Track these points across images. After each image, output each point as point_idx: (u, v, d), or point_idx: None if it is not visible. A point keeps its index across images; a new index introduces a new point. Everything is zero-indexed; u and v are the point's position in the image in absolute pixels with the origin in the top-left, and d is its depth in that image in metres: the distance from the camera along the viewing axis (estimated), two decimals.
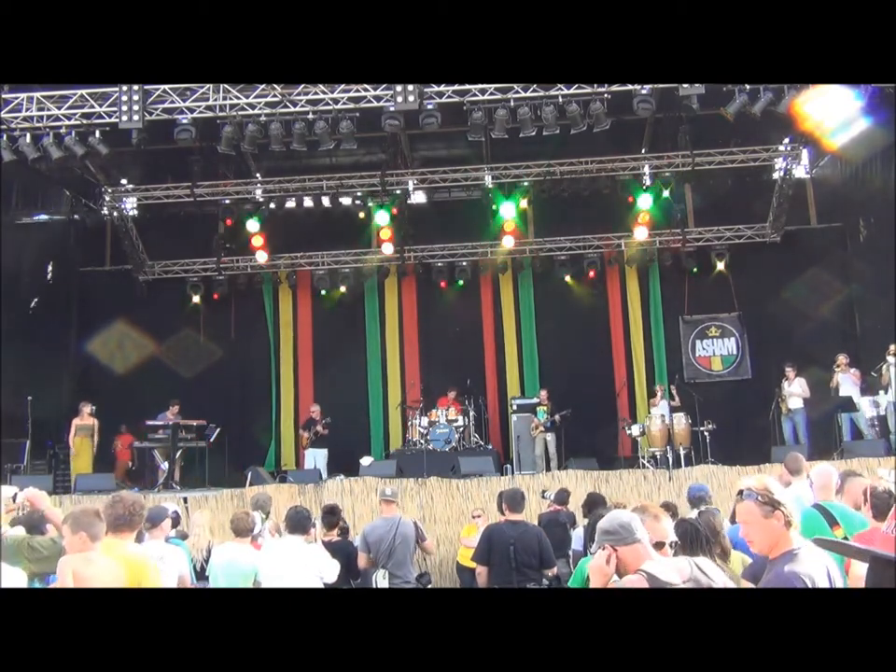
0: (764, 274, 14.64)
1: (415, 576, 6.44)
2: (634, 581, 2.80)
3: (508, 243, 14.50)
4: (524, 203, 14.45)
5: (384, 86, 10.17)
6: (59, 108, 10.60)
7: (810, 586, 2.56)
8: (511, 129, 10.63)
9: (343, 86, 10.35)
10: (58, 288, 14.96)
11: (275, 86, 10.34)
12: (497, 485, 9.75)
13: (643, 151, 14.43)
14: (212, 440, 11.95)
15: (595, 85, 10.12)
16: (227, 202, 14.66)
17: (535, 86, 10.17)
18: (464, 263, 15.18)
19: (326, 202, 14.18)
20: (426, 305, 15.58)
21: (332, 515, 6.39)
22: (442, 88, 10.32)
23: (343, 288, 15.27)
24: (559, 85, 10.05)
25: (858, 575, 3.38)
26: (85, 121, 10.61)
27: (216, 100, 10.55)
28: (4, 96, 10.45)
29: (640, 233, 14.42)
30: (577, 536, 6.54)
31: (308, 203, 14.31)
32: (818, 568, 2.64)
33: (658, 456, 11.90)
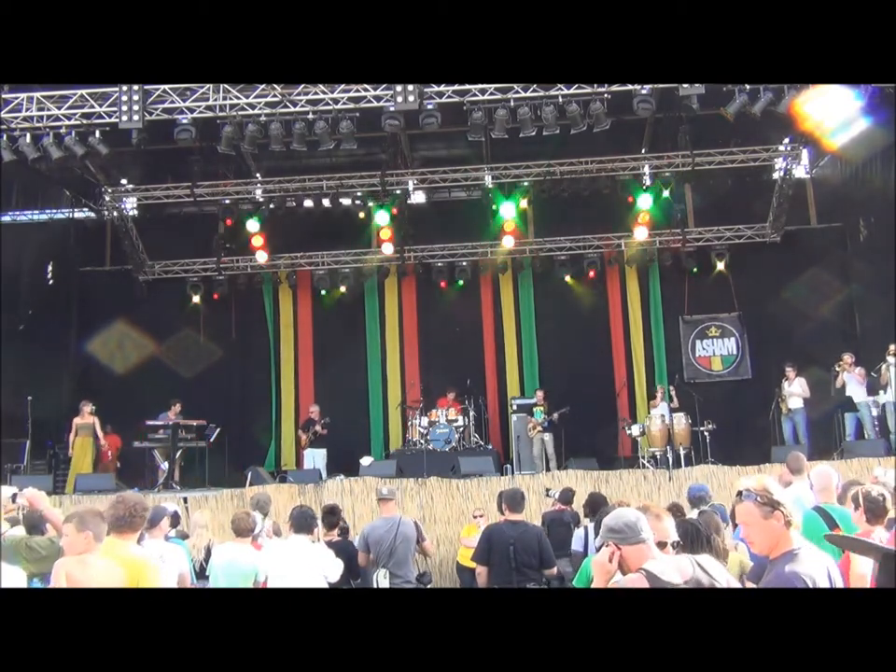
0: (764, 274, 14.63)
1: (415, 575, 6.44)
2: (634, 580, 2.80)
3: (508, 243, 14.50)
4: (524, 203, 14.45)
5: (384, 86, 10.16)
6: (59, 108, 10.60)
7: (811, 586, 2.56)
8: (511, 129, 10.63)
9: (343, 86, 10.35)
10: (58, 288, 14.98)
11: (275, 86, 10.34)
12: (497, 485, 9.75)
13: (643, 151, 14.43)
14: (212, 440, 11.95)
15: (595, 85, 10.11)
16: (227, 202, 14.66)
17: (535, 86, 10.17)
18: (464, 263, 15.17)
19: (326, 202, 14.18)
20: (426, 305, 15.58)
21: (332, 515, 6.40)
22: (442, 88, 10.31)
23: (342, 288, 15.27)
24: (559, 85, 10.05)
25: (859, 574, 3.38)
26: (85, 121, 10.61)
27: (216, 100, 10.55)
28: (4, 96, 10.45)
29: (640, 233, 14.42)
30: (577, 537, 6.53)
31: (308, 203, 14.30)
32: (818, 568, 2.64)
33: (658, 456, 11.91)
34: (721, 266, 14.72)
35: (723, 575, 2.87)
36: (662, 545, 3.15)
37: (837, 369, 11.69)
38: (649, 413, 12.98)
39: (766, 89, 9.91)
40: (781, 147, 14.09)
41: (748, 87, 9.95)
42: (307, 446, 13.40)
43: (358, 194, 14.34)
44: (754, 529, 2.76)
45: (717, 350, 15.07)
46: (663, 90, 10.39)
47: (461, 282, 15.23)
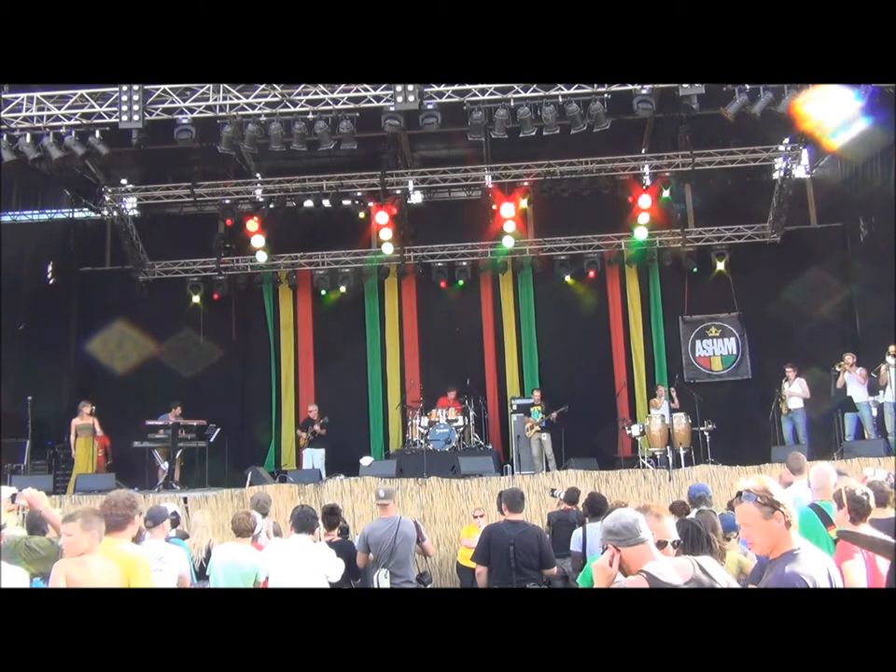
0: (764, 274, 14.63)
1: (415, 575, 6.44)
2: (634, 582, 2.80)
3: (508, 243, 14.50)
4: (523, 203, 14.44)
5: (384, 86, 10.16)
6: (59, 108, 10.59)
7: (811, 586, 2.56)
8: (511, 129, 10.63)
9: (343, 86, 10.34)
10: (58, 288, 14.97)
11: (275, 86, 10.34)
12: (497, 485, 9.75)
13: (643, 151, 14.43)
14: (212, 440, 11.95)
15: (595, 85, 10.11)
16: (227, 202, 14.66)
17: (535, 86, 10.17)
18: (464, 263, 15.17)
19: (326, 202, 14.18)
20: (426, 305, 15.58)
21: (333, 515, 6.39)
22: (442, 88, 10.31)
23: (342, 288, 15.27)
24: (559, 85, 10.04)
25: (853, 582, 3.38)
26: (85, 121, 10.61)
27: (216, 100, 10.55)
28: (4, 96, 10.44)
29: (640, 233, 14.42)
30: (576, 537, 6.53)
31: (308, 203, 14.30)
32: (818, 569, 2.64)
33: (658, 456, 11.90)
34: (721, 266, 14.71)
35: (723, 576, 2.87)
36: (662, 544, 3.15)
37: (838, 369, 11.69)
38: (649, 412, 12.97)
39: (766, 89, 9.91)
40: (781, 147, 14.09)
41: (748, 87, 9.95)
42: (306, 446, 13.41)
43: (358, 194, 14.34)
44: (754, 530, 2.76)
45: (717, 350, 15.07)
46: (663, 90, 10.38)
47: (461, 282, 15.23)
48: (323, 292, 15.25)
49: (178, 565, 5.07)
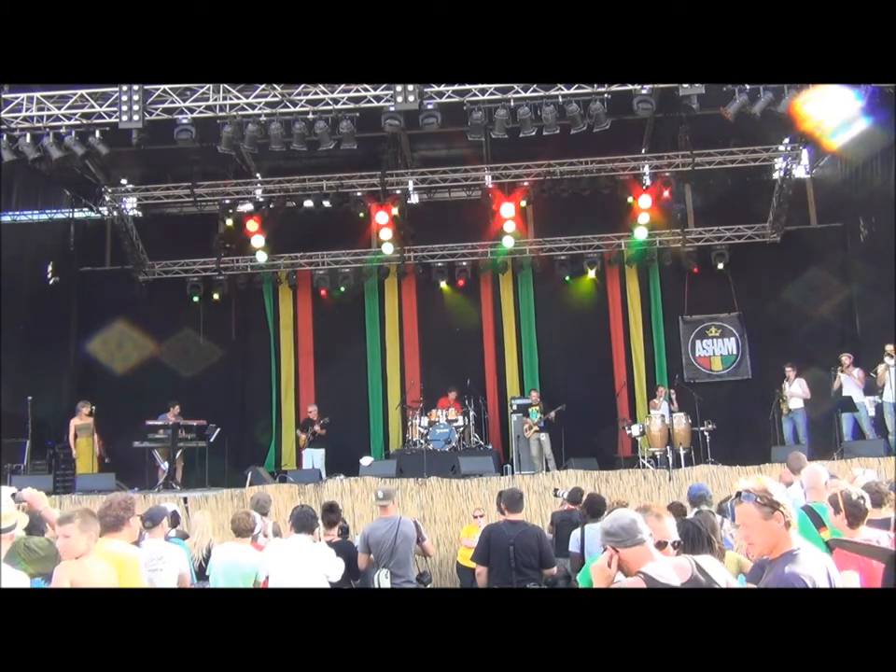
0: (764, 274, 14.64)
1: (415, 575, 6.43)
2: (632, 584, 2.80)
3: (508, 243, 14.49)
4: (523, 203, 14.44)
5: (384, 86, 10.16)
6: (59, 108, 10.59)
7: (810, 587, 2.56)
8: (511, 129, 10.62)
9: (343, 86, 10.34)
10: (58, 288, 14.96)
11: (275, 86, 10.34)
12: (496, 485, 9.75)
13: (643, 151, 14.43)
14: (212, 440, 11.95)
15: (595, 85, 10.11)
16: (227, 202, 14.67)
17: (535, 86, 10.16)
18: (464, 263, 15.17)
19: (326, 202, 14.18)
20: (426, 305, 15.57)
21: (332, 513, 6.35)
22: (442, 88, 10.31)
23: (342, 288, 15.26)
24: (559, 85, 10.04)
25: (847, 583, 3.38)
26: (85, 121, 10.60)
27: (216, 100, 10.55)
28: (4, 96, 10.44)
29: (640, 233, 14.42)
30: (574, 538, 6.53)
31: (308, 203, 14.30)
32: (818, 569, 2.64)
33: (658, 456, 11.90)
34: (720, 266, 14.71)
35: (723, 576, 2.87)
36: (662, 545, 3.15)
37: (837, 370, 11.71)
38: (649, 412, 12.96)
39: (766, 89, 9.90)
40: (781, 147, 14.09)
41: (748, 87, 9.94)
42: (306, 446, 13.41)
43: (358, 194, 14.34)
44: (754, 530, 2.76)
45: (717, 350, 15.07)
46: (663, 90, 10.38)
47: (461, 282, 15.23)
48: (323, 292, 15.25)
49: (178, 564, 5.07)
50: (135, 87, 10.09)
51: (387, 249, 14.66)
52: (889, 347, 10.90)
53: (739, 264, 14.72)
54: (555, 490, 8.79)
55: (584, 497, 7.34)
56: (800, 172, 14.91)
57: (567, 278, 15.00)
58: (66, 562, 3.70)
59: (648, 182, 14.28)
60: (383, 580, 6.13)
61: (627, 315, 15.30)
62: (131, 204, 15.36)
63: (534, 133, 10.62)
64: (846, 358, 11.75)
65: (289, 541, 5.56)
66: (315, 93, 10.52)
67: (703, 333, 15.12)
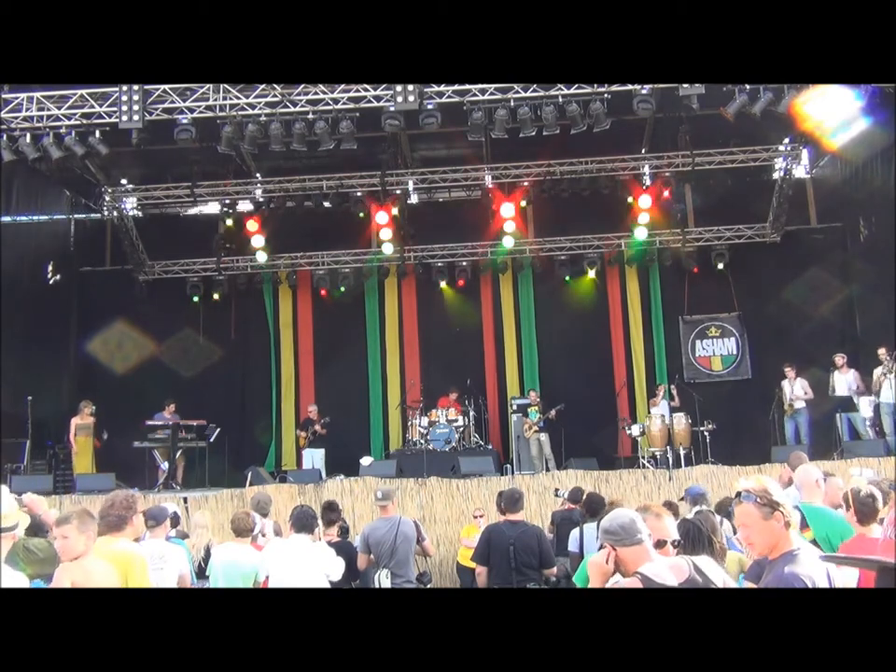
0: (764, 274, 14.64)
1: (415, 575, 6.43)
2: (629, 584, 2.80)
3: (508, 243, 14.49)
4: (523, 203, 14.44)
5: (384, 86, 10.16)
6: (59, 108, 10.59)
7: (811, 587, 2.56)
8: (511, 129, 10.62)
9: (343, 86, 10.34)
10: (58, 288, 14.96)
11: (275, 86, 10.34)
12: (497, 485, 9.75)
13: (643, 151, 14.42)
14: (212, 440, 11.95)
15: (595, 85, 10.11)
16: (227, 202, 14.67)
17: (535, 86, 10.16)
18: (464, 263, 15.17)
19: (326, 202, 14.18)
20: (426, 305, 15.57)
21: (331, 512, 6.34)
22: (442, 88, 10.31)
23: (342, 288, 15.26)
24: (559, 85, 10.04)
25: (845, 582, 3.38)
26: (85, 121, 10.60)
27: (216, 100, 10.54)
28: (4, 96, 10.44)
29: (640, 233, 14.42)
30: (573, 538, 6.53)
31: (308, 203, 14.30)
32: (818, 569, 2.64)
33: (658, 456, 11.90)
34: (720, 266, 14.71)
35: (720, 577, 2.86)
36: (662, 544, 3.15)
37: (833, 370, 11.74)
38: (649, 412, 12.97)
39: (766, 89, 9.90)
40: (781, 147, 14.09)
41: (748, 87, 9.94)
42: (306, 446, 13.41)
43: (358, 194, 14.34)
44: (754, 530, 2.75)
45: (717, 350, 15.06)
46: (663, 90, 10.37)
47: (461, 282, 15.23)
48: (323, 292, 15.25)
49: (179, 564, 5.07)
50: (135, 87, 10.08)
51: (387, 249, 14.66)
52: (882, 351, 10.96)
53: (739, 264, 14.71)
54: (556, 490, 8.81)
55: (584, 497, 7.34)
56: (800, 172, 14.91)
57: (567, 278, 15.00)
58: (67, 563, 3.70)
59: (648, 182, 14.29)
60: (383, 580, 6.13)
61: (627, 315, 15.29)
62: (131, 204, 15.36)
63: (534, 133, 10.62)
64: (839, 359, 11.77)
65: (289, 541, 5.57)
66: (315, 93, 10.52)
67: (703, 333, 15.12)
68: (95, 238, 15.82)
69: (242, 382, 15.55)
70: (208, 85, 10.39)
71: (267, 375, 15.49)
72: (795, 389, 12.23)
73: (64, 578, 3.62)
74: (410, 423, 13.72)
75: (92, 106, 10.55)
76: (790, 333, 14.10)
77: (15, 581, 3.41)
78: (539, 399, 13.30)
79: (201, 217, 15.59)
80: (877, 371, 11.08)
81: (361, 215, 14.61)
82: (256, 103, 10.60)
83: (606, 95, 10.28)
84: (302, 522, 5.51)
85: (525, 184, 14.20)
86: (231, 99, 10.58)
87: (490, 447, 13.47)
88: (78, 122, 10.59)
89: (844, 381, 11.64)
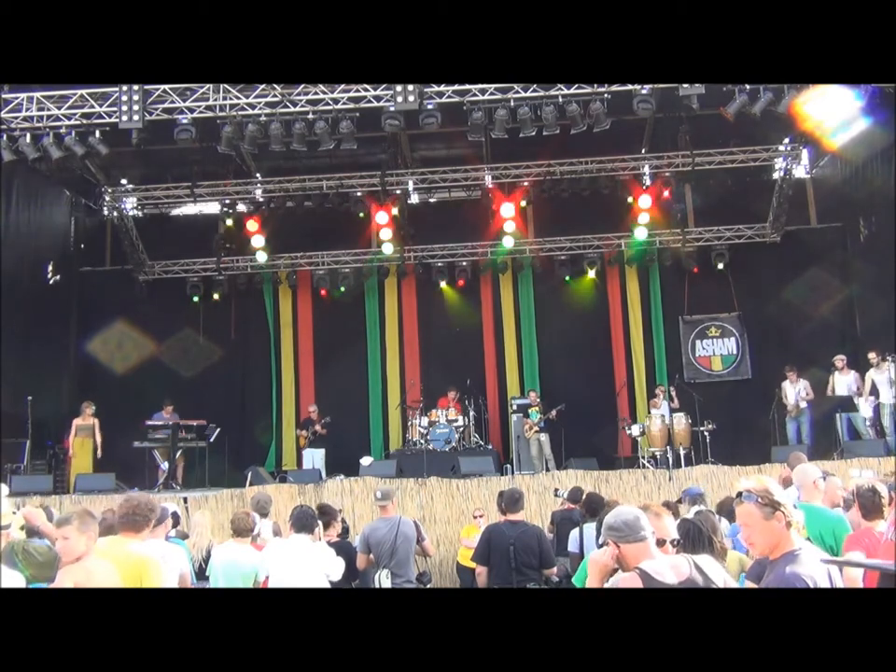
0: (764, 274, 14.64)
1: (415, 575, 6.43)
2: (628, 580, 2.80)
3: (508, 243, 14.49)
4: (523, 203, 14.44)
5: (384, 86, 10.16)
6: (59, 108, 10.59)
7: (812, 587, 2.56)
8: (511, 129, 10.63)
9: (343, 86, 10.34)
10: (58, 288, 14.96)
11: (275, 86, 10.34)
12: (497, 485, 9.75)
13: (643, 151, 14.43)
14: (212, 440, 11.95)
15: (595, 85, 10.11)
16: (227, 202, 14.67)
17: (535, 86, 10.17)
18: (464, 263, 15.17)
19: (326, 202, 14.18)
20: (426, 305, 15.57)
21: (324, 514, 6.33)
22: (442, 88, 10.31)
23: (342, 288, 15.26)
24: (559, 85, 10.05)
25: (851, 577, 3.39)
26: (85, 121, 10.61)
27: (216, 100, 10.55)
28: (4, 96, 10.44)
29: (640, 233, 14.42)
30: (573, 538, 6.53)
31: (308, 203, 14.30)
32: (819, 569, 2.63)
33: (658, 456, 11.90)
34: (720, 266, 14.71)
35: (721, 577, 2.86)
36: (661, 543, 3.15)
37: (832, 372, 11.75)
38: (649, 412, 12.97)
39: (766, 89, 9.91)
40: (781, 147, 14.10)
41: (748, 87, 9.95)
42: (306, 446, 13.41)
43: (358, 194, 14.34)
44: (755, 531, 2.75)
45: (717, 350, 15.06)
46: (663, 90, 10.38)
47: (461, 282, 15.23)
48: (323, 292, 15.25)
49: (179, 564, 5.07)
50: (135, 87, 10.09)
51: (387, 249, 14.66)
52: (872, 354, 11.00)
53: (739, 264, 14.71)
54: (556, 490, 8.81)
55: (584, 497, 7.34)
56: (800, 172, 14.91)
57: (567, 278, 15.01)
58: (69, 566, 3.70)
59: (648, 182, 14.29)
60: (384, 580, 6.13)
61: (627, 315, 15.29)
62: (131, 204, 15.36)
63: (534, 133, 10.62)
64: (839, 361, 11.77)
65: (289, 541, 5.56)
66: (315, 93, 10.53)
67: (703, 333, 15.12)
68: (95, 238, 15.82)
69: (242, 382, 15.55)
70: (208, 85, 10.40)
71: (267, 375, 15.49)
72: (799, 392, 12.23)
73: (67, 580, 3.62)
74: (410, 423, 13.72)
75: (92, 106, 10.55)
76: (790, 333, 14.11)
77: (12, 580, 3.41)
78: (539, 400, 13.30)
79: (201, 217, 15.58)
80: (869, 374, 11.13)
81: (361, 215, 14.62)
82: (256, 103, 10.60)
83: (606, 95, 10.28)
84: (302, 522, 5.51)
85: (525, 184, 14.20)
86: (231, 99, 10.58)
87: (490, 447, 13.47)
88: (78, 122, 10.60)
89: (844, 382, 11.66)
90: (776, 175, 14.69)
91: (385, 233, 14.43)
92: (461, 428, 13.11)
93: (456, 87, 10.27)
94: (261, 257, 14.83)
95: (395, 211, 14.30)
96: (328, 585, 5.34)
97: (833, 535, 4.22)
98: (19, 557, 3.88)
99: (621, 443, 13.44)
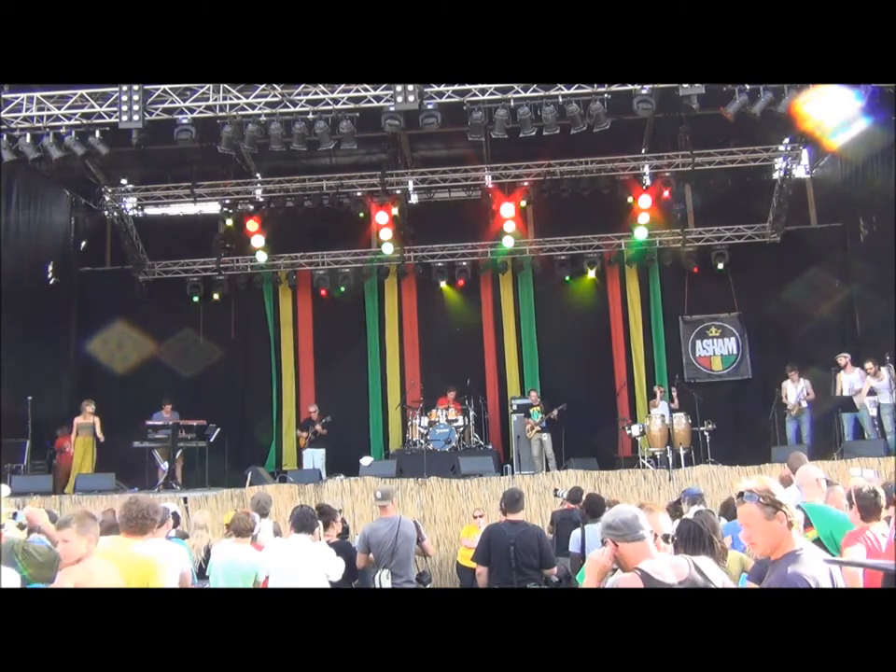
0: (764, 274, 14.63)
1: (415, 575, 6.43)
2: (628, 580, 2.80)
3: (508, 243, 14.49)
4: (523, 203, 14.44)
5: (384, 86, 10.16)
6: (59, 108, 10.59)
7: (814, 587, 2.56)
8: (511, 129, 10.63)
9: (343, 86, 10.34)
10: (58, 288, 14.96)
11: (275, 86, 10.34)
12: (497, 485, 9.76)
13: (643, 151, 14.43)
14: (212, 440, 11.95)
15: (595, 85, 10.11)
16: (227, 202, 14.67)
17: (535, 86, 10.17)
18: (464, 263, 15.17)
19: (326, 202, 14.18)
20: (426, 305, 15.58)
21: (323, 515, 6.33)
22: (442, 88, 10.31)
23: (342, 288, 15.26)
24: (559, 85, 10.04)
25: (851, 573, 3.39)
26: (85, 121, 10.61)
27: (216, 100, 10.55)
28: (4, 96, 10.44)
29: (640, 233, 14.42)
30: (574, 538, 6.53)
31: (308, 203, 14.30)
32: (821, 569, 2.63)
33: (658, 456, 11.90)
34: (720, 266, 14.71)
35: (720, 577, 2.86)
36: (653, 537, 3.15)
37: (837, 372, 11.73)
38: (649, 412, 12.97)
39: (766, 89, 9.90)
40: (781, 147, 14.09)
41: (748, 87, 9.95)
42: (306, 446, 13.41)
43: (358, 194, 14.35)
44: (757, 531, 2.74)
45: (717, 350, 15.06)
46: (663, 90, 10.38)
47: (461, 282, 15.23)
48: (323, 292, 15.25)
49: (179, 564, 5.07)
50: (135, 87, 10.09)
51: (387, 249, 14.66)
52: (868, 365, 11.04)
53: (739, 264, 14.71)
54: (555, 490, 8.81)
55: (584, 497, 7.34)
56: (800, 172, 14.91)
57: (567, 278, 15.01)
58: (71, 567, 3.70)
59: (648, 182, 14.29)
60: (384, 580, 6.13)
61: (627, 315, 15.29)
62: (131, 204, 15.36)
63: (534, 133, 10.62)
64: (841, 359, 11.77)
65: (289, 541, 5.56)
66: (315, 93, 10.52)
67: (703, 333, 15.12)
68: (95, 238, 15.82)
69: (242, 382, 15.55)
70: (208, 85, 10.40)
71: (267, 375, 15.49)
72: (800, 391, 12.22)
73: (67, 580, 3.62)
74: (410, 423, 13.72)
75: (92, 106, 10.55)
76: (790, 333, 14.10)
77: (9, 580, 3.41)
78: (540, 400, 13.29)
79: (201, 217, 15.57)
80: (868, 380, 11.15)
81: (361, 215, 14.61)
82: (256, 103, 10.60)
83: (606, 95, 10.28)
84: (302, 522, 5.51)
85: (525, 184, 14.20)
86: (231, 99, 10.58)
87: (490, 447, 13.47)
88: (78, 122, 10.60)
89: (848, 380, 11.63)
90: (776, 175, 14.69)
91: (385, 233, 14.43)
92: (461, 428, 13.11)
93: (456, 87, 10.27)
94: (261, 257, 14.83)
95: (395, 211, 14.30)
96: (328, 585, 5.34)
97: (843, 533, 4.23)
98: (19, 557, 3.89)
99: (621, 443, 13.45)
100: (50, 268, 14.80)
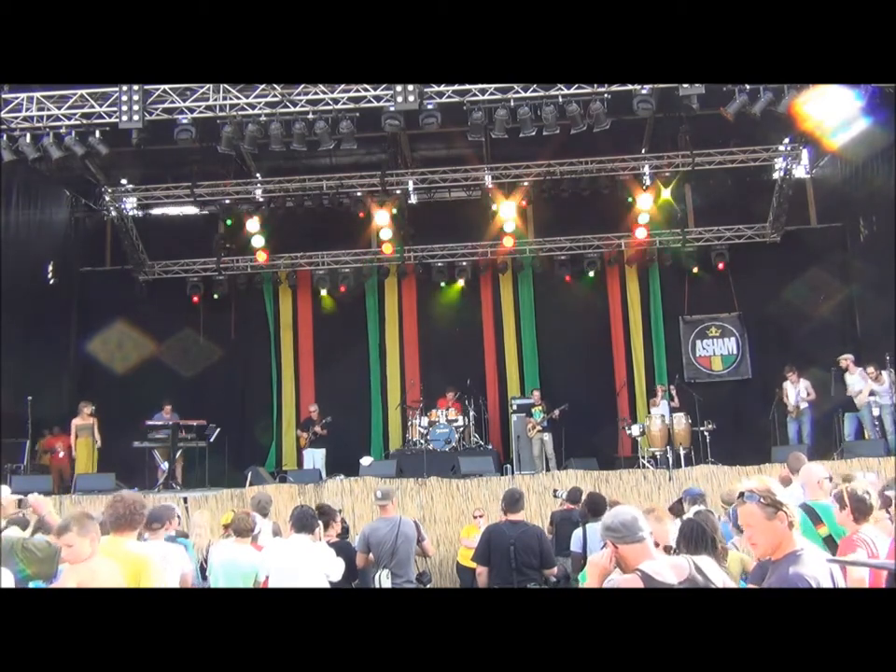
0: (764, 274, 14.62)
1: (415, 575, 6.43)
2: (629, 581, 2.80)
3: (508, 243, 14.49)
4: (523, 203, 14.44)
5: (384, 86, 10.16)
6: (59, 108, 10.59)
7: (815, 587, 2.56)
8: (511, 129, 10.63)
9: (343, 86, 10.34)
10: (58, 288, 14.96)
11: (275, 86, 10.34)
12: (497, 485, 9.75)
13: (643, 151, 14.42)
14: (212, 440, 11.95)
15: (595, 85, 10.11)
16: (227, 202, 14.67)
17: (535, 86, 10.17)
18: (464, 263, 15.17)
19: (326, 202, 14.18)
20: (426, 305, 15.58)
21: (323, 514, 6.33)
22: (442, 88, 10.31)
23: (342, 288, 15.26)
24: (559, 85, 10.04)
25: (856, 578, 3.40)
26: (85, 121, 10.61)
27: (216, 100, 10.55)
28: (4, 96, 10.44)
29: (640, 233, 14.42)
30: (576, 538, 6.53)
31: (308, 203, 14.30)
32: (822, 569, 2.63)
33: (658, 456, 11.89)
34: (720, 266, 14.70)
35: (720, 577, 2.86)
36: (656, 547, 3.15)
37: (842, 373, 11.73)
38: (649, 412, 12.96)
39: (766, 89, 9.91)
40: (781, 147, 14.09)
41: (748, 87, 9.95)
42: (307, 446, 13.41)
43: (358, 194, 14.34)
44: (757, 531, 2.74)
45: (717, 350, 15.06)
46: (663, 90, 10.38)
47: (461, 282, 15.23)
48: (323, 292, 15.25)
49: (180, 563, 5.07)
50: (135, 87, 10.09)
51: (387, 249, 14.66)
52: (871, 369, 11.08)
53: (739, 264, 14.71)
54: (555, 491, 8.81)
55: (584, 497, 7.34)
56: (800, 172, 14.91)
57: (567, 278, 15.00)
58: (73, 566, 3.70)
59: (648, 182, 14.28)
60: (384, 580, 6.13)
61: (627, 315, 15.29)
62: (131, 204, 15.36)
63: (534, 133, 10.62)
64: (843, 362, 11.75)
65: (289, 541, 5.56)
66: (315, 93, 10.53)
67: (703, 333, 15.12)
68: (95, 238, 15.82)
69: (242, 382, 15.55)
70: (208, 85, 10.40)
71: (267, 375, 15.49)
72: (800, 392, 12.22)
73: (70, 579, 3.62)
74: (410, 423, 13.72)
75: (92, 106, 10.55)
76: (790, 333, 14.10)
77: (6, 581, 3.40)
78: (542, 399, 13.29)
79: (201, 217, 15.58)
80: (869, 384, 11.14)
81: (361, 215, 14.61)
82: (256, 103, 10.60)
83: (606, 95, 10.28)
84: (302, 522, 5.51)
85: (525, 184, 14.20)
86: (231, 99, 10.58)
87: (490, 447, 13.47)
88: (78, 122, 10.60)
89: (851, 381, 11.62)
90: (776, 175, 14.69)
91: (385, 233, 14.43)
92: (461, 428, 13.11)
93: (456, 87, 10.27)
94: (261, 257, 14.83)
95: (395, 211, 14.30)
96: (328, 585, 5.34)
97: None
98: (19, 556, 3.88)
99: (621, 443, 13.44)
100: (50, 268, 14.80)
